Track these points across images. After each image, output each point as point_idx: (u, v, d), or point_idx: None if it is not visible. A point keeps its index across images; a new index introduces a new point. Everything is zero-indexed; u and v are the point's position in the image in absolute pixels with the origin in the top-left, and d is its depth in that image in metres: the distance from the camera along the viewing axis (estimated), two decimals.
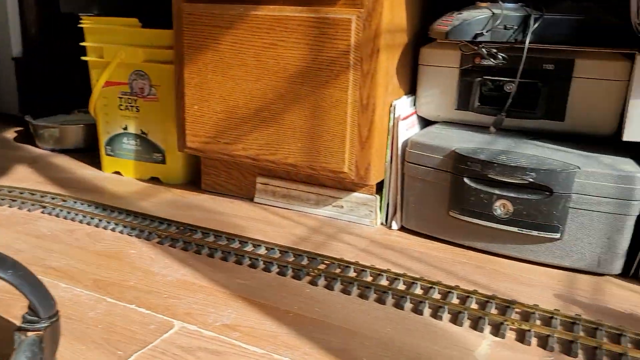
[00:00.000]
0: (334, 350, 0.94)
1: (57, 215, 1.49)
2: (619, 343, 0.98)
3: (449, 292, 1.14)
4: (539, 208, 1.25)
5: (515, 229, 1.29)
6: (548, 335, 1.00)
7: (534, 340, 1.00)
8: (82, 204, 1.54)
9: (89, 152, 2.14)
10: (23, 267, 0.74)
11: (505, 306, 1.09)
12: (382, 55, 1.38)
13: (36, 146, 2.23)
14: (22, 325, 0.74)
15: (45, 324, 0.74)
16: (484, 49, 1.39)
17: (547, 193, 1.24)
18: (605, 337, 1.00)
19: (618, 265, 1.25)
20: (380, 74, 1.39)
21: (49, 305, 0.75)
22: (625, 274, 1.26)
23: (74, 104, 2.46)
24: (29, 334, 0.74)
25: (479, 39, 1.37)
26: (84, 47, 1.85)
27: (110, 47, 1.79)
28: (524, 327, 1.03)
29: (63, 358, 0.86)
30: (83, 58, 1.86)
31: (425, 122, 1.63)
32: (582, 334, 1.01)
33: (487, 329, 1.03)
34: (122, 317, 1.02)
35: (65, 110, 2.43)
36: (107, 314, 1.02)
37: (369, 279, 1.18)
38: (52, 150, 2.18)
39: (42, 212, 1.51)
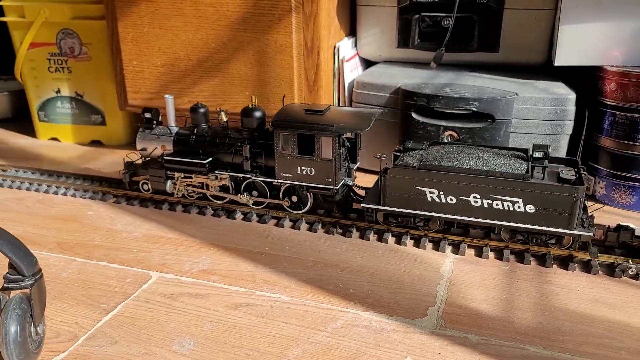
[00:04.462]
0: (311, 281, 0.99)
1: (0, 185, 1.42)
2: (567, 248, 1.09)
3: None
4: (483, 135, 1.33)
5: None
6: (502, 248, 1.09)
7: (491, 254, 1.08)
8: (25, 172, 1.48)
9: (18, 121, 2.03)
10: None
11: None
12: None
13: None
14: (6, 284, 0.73)
15: (31, 282, 0.73)
16: None
17: (490, 120, 1.31)
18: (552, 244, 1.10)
19: None
20: (323, 16, 1.40)
21: (31, 263, 0.73)
22: None
23: None
24: (14, 292, 0.73)
25: None
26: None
27: (32, 5, 1.68)
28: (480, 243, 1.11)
29: (47, 316, 0.86)
30: (1, 19, 1.73)
31: (367, 63, 1.66)
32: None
33: (448, 248, 1.11)
34: (96, 274, 1.01)
35: None
36: (80, 273, 1.01)
37: (331, 219, 1.22)
38: None
39: None
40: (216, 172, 1.24)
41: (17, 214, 1.27)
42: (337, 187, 1.16)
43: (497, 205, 1.05)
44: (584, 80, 1.37)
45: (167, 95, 1.31)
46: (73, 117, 1.78)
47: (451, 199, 1.07)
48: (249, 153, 1.20)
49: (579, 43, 1.29)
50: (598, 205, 1.24)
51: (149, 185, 1.31)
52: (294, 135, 1.14)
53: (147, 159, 1.33)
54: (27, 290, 0.73)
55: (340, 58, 1.49)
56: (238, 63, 1.46)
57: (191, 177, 1.26)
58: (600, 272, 1.02)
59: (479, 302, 0.93)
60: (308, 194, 1.19)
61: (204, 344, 0.82)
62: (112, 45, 1.59)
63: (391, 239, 1.15)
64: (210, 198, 1.28)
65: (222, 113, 1.28)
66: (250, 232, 1.18)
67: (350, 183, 1.22)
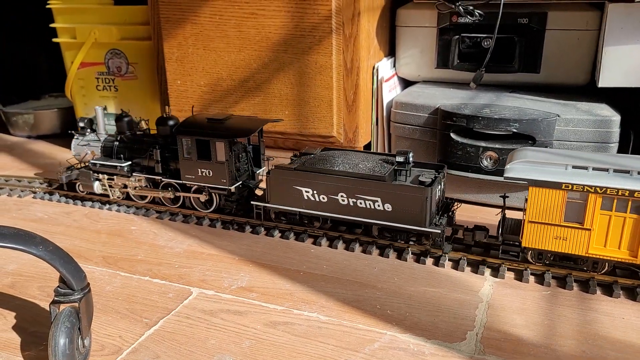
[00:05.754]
0: (349, 301, 0.99)
1: (50, 200, 1.48)
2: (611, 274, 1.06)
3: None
4: None
5: (501, 179, 1.35)
6: (544, 273, 1.07)
7: (531, 278, 1.07)
8: None
9: (66, 137, 2.11)
10: (51, 242, 0.75)
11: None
12: (362, 18, 1.41)
13: (9, 134, 2.18)
14: (56, 298, 0.76)
15: (79, 296, 0.76)
16: (460, 7, 1.43)
17: (530, 142, 1.30)
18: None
19: None
20: (362, 37, 1.42)
21: (80, 278, 0.76)
22: None
23: (42, 88, 2.40)
24: (63, 306, 0.76)
25: None
26: (51, 29, 1.81)
27: (83, 27, 1.75)
28: (520, 267, 1.09)
29: (93, 329, 0.88)
30: (55, 40, 1.82)
31: (405, 83, 1.67)
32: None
33: (487, 271, 1.10)
34: (139, 288, 1.04)
35: (34, 96, 2.37)
36: (124, 287, 1.04)
37: (369, 238, 1.23)
38: (28, 137, 2.14)
39: (34, 197, 1.50)
40: (134, 174, 1.36)
41: (66, 227, 1.31)
42: (232, 188, 1.26)
43: (360, 203, 1.16)
44: (629, 101, 1.34)
45: (97, 107, 1.44)
46: None
47: (323, 198, 1.19)
48: (160, 157, 1.33)
49: (624, 64, 1.26)
50: (457, 205, 1.26)
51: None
52: (194, 141, 1.25)
53: (84, 163, 1.46)
54: (76, 304, 0.76)
55: (379, 78, 1.51)
56: (279, 83, 1.49)
57: (113, 179, 1.39)
58: None
59: (519, 328, 0.92)
60: (213, 193, 1.29)
61: None
62: (158, 65, 1.65)
63: (429, 261, 1.14)
64: (133, 198, 1.41)
65: (142, 122, 1.43)
66: (288, 249, 1.19)
67: (251, 185, 1.32)
